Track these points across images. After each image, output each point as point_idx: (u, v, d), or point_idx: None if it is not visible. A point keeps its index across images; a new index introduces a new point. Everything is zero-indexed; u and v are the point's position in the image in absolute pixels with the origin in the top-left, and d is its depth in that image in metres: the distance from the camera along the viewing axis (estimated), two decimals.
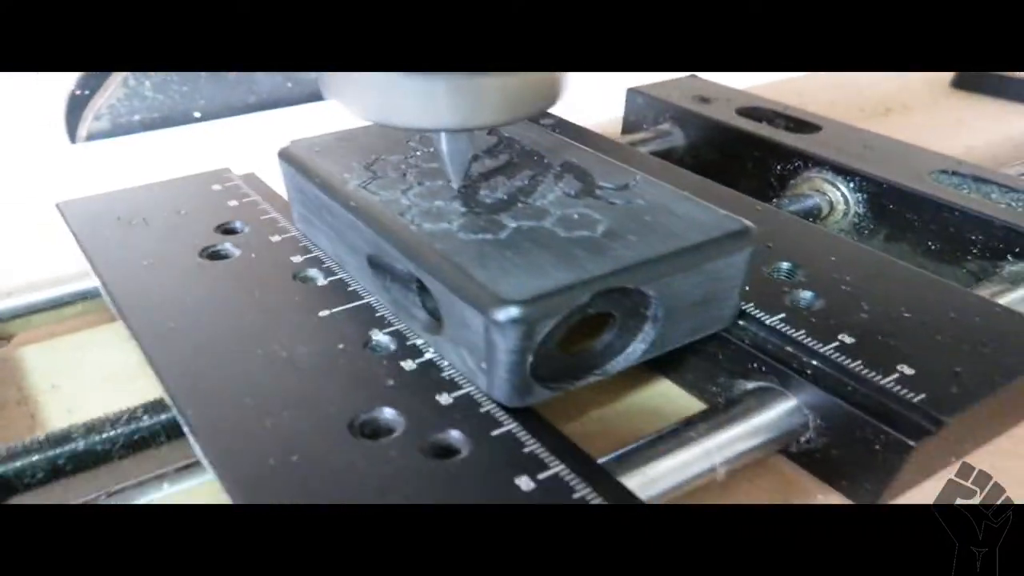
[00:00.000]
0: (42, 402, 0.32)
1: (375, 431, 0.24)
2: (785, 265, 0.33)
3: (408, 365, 0.27)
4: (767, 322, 0.29)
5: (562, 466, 0.23)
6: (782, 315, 0.29)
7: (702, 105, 0.53)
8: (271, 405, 0.25)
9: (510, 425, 0.24)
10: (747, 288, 0.30)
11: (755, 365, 0.29)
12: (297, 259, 0.33)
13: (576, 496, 0.22)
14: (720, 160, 0.50)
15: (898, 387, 0.26)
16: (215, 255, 0.33)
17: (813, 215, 0.44)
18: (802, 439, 0.28)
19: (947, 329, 0.29)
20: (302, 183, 0.32)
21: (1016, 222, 0.37)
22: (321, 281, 0.31)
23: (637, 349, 0.27)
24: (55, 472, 0.25)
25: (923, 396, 0.25)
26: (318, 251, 0.33)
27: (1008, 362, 0.27)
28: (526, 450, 0.23)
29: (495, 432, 0.24)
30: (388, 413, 0.24)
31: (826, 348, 0.28)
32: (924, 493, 0.28)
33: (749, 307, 0.30)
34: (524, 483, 0.22)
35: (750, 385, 0.29)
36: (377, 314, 0.29)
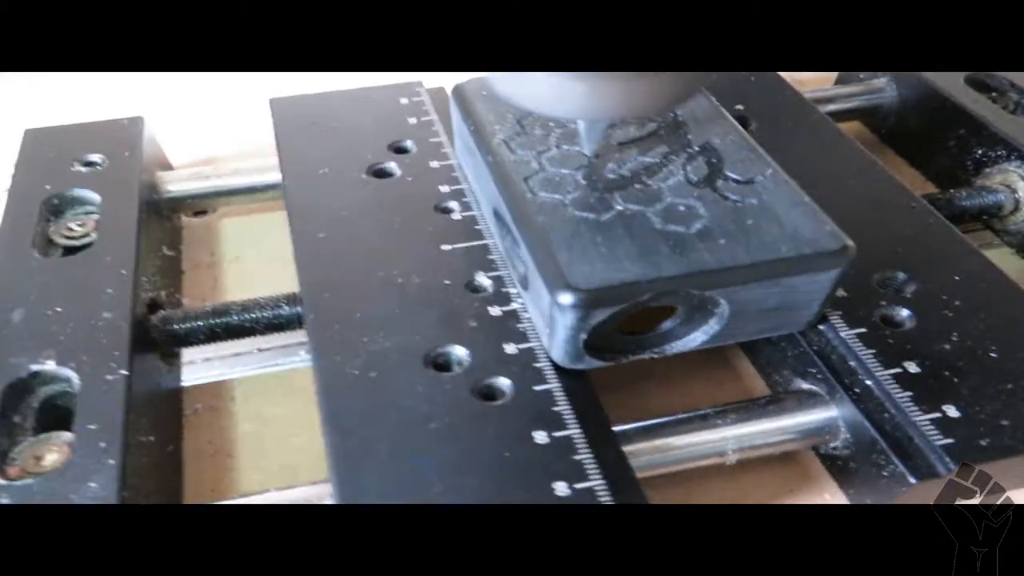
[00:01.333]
0: (226, 268, 0.40)
1: (444, 364, 0.29)
2: (900, 276, 0.33)
3: (495, 311, 0.31)
4: (842, 334, 0.30)
5: (578, 429, 0.26)
6: (862, 330, 0.30)
7: None
8: (372, 324, 0.30)
9: (552, 384, 0.28)
10: (845, 294, 0.31)
11: (813, 370, 0.30)
12: (445, 189, 0.37)
13: (576, 458, 0.25)
14: (924, 129, 0.48)
15: (931, 426, 0.27)
16: (380, 172, 0.38)
17: (992, 212, 0.42)
18: (830, 444, 0.30)
19: (1011, 375, 0.28)
20: (461, 123, 0.36)
21: None
22: (456, 215, 0.36)
23: (697, 338, 0.29)
24: (213, 336, 0.33)
25: (949, 441, 0.26)
26: (465, 184, 0.37)
27: None
28: (556, 408, 0.27)
29: (537, 387, 0.28)
30: (459, 351, 0.29)
31: (884, 373, 0.29)
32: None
33: (836, 315, 0.31)
34: (540, 437, 0.26)
35: (804, 386, 0.31)
36: (488, 256, 0.33)
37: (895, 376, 0.28)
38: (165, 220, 0.41)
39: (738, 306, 0.28)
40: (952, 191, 0.42)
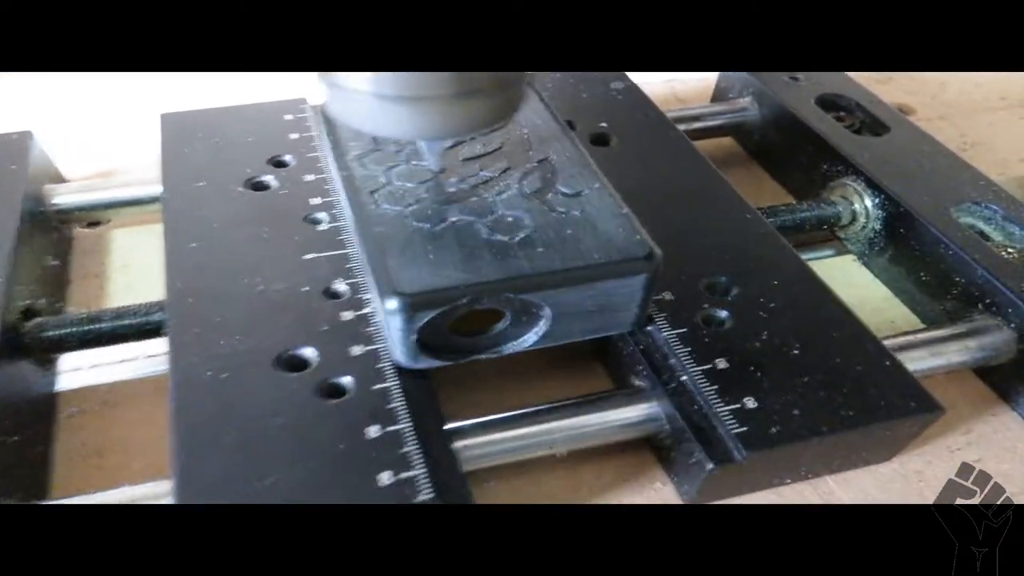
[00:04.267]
0: (113, 278, 0.42)
1: (294, 365, 0.31)
2: (724, 280, 0.36)
3: (347, 315, 0.33)
4: (664, 333, 0.33)
5: (408, 424, 0.29)
6: (683, 330, 0.33)
7: (786, 85, 0.53)
8: (230, 328, 0.32)
9: (391, 383, 0.30)
10: (672, 297, 0.34)
11: (640, 367, 0.33)
12: (316, 201, 0.39)
13: (402, 451, 0.28)
14: (780, 146, 0.52)
15: (730, 416, 0.30)
16: (256, 185, 0.40)
17: (831, 222, 0.45)
18: (658, 436, 0.33)
19: (820, 372, 0.32)
20: (324, 139, 0.39)
21: (996, 273, 0.37)
22: (323, 226, 0.38)
23: (529, 339, 0.32)
24: (86, 342, 0.35)
25: (744, 429, 0.29)
26: (335, 196, 0.40)
27: (849, 414, 0.30)
28: (390, 405, 0.30)
29: (376, 386, 0.30)
30: (309, 353, 0.31)
31: (696, 369, 0.32)
32: (749, 499, 0.32)
33: (661, 316, 0.34)
34: (373, 431, 0.29)
35: (636, 382, 0.34)
36: (347, 265, 0.36)
37: (705, 372, 0.31)
38: (52, 231, 0.43)
39: (559, 308, 0.31)
40: (795, 203, 0.45)
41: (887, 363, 0.32)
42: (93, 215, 0.45)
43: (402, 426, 0.29)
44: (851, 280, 0.45)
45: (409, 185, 0.34)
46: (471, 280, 0.29)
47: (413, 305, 0.29)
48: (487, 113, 0.28)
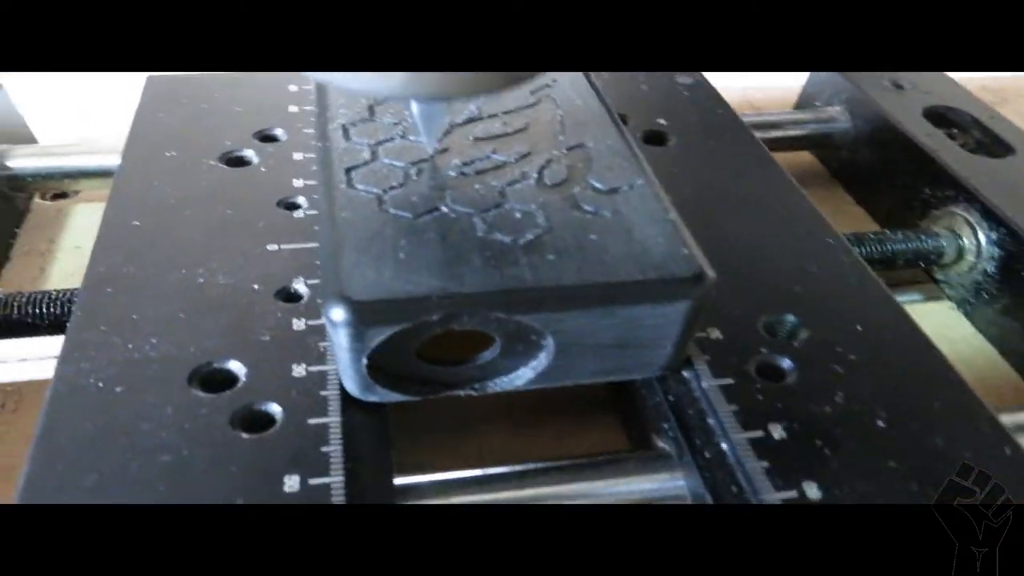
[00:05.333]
0: (59, 259, 0.35)
1: (214, 383, 0.24)
2: (791, 320, 0.28)
3: (298, 324, 0.26)
4: (704, 383, 0.25)
5: (340, 478, 0.21)
6: (729, 380, 0.25)
7: (889, 93, 0.45)
8: (146, 329, 0.25)
9: (331, 418, 0.23)
10: (720, 336, 0.26)
11: (666, 426, 0.25)
12: (299, 183, 0.32)
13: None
14: (873, 164, 0.43)
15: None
16: (234, 160, 0.34)
17: (930, 258, 0.36)
18: None
19: (913, 455, 0.23)
20: (316, 108, 0.32)
21: None
22: (300, 213, 0.31)
23: (524, 375, 0.24)
24: None
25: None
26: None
27: None
28: (324, 448, 0.22)
29: (312, 420, 0.23)
30: (236, 368, 0.24)
31: (742, 435, 0.23)
32: None
33: (703, 360, 0.26)
34: (291, 483, 0.21)
35: (660, 444, 0.26)
36: (316, 261, 0.29)
37: (754, 440, 0.23)
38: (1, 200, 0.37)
39: (566, 337, 0.23)
40: (886, 231, 0.37)
41: (1006, 449, 0.24)
42: (56, 185, 0.39)
43: (333, 479, 0.21)
44: (946, 333, 0.36)
45: (398, 164, 0.27)
46: (448, 290, 0.22)
47: (363, 318, 0.21)
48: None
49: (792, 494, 0.22)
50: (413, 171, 0.26)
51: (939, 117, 0.43)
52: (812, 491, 0.22)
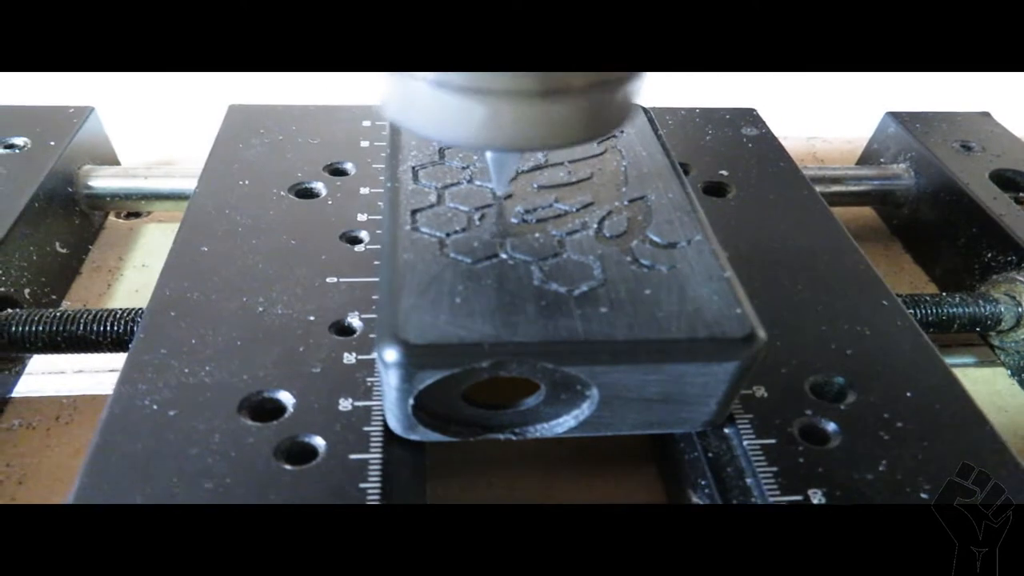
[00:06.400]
0: (126, 276, 0.37)
1: (260, 412, 0.25)
2: (839, 382, 0.27)
3: (349, 358, 0.27)
4: (745, 442, 0.25)
5: None
6: (772, 440, 0.25)
7: (956, 153, 0.44)
8: (204, 354, 0.26)
9: (373, 454, 0.23)
10: (766, 394, 0.26)
11: (702, 483, 0.25)
12: (362, 218, 0.33)
13: None
14: (935, 224, 0.43)
15: None
16: (303, 192, 0.35)
17: (988, 324, 0.36)
18: None
19: None
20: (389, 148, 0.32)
21: None
22: (361, 247, 0.32)
23: (565, 423, 0.25)
24: (53, 344, 0.29)
25: None
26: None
27: None
28: (363, 484, 0.23)
29: (354, 456, 0.23)
30: (284, 398, 0.25)
31: (780, 499, 0.23)
32: None
33: (745, 418, 0.26)
34: None
35: (695, 499, 0.25)
36: (373, 295, 0.29)
37: (794, 505, 0.23)
38: (76, 216, 0.39)
39: (611, 390, 0.23)
40: (943, 294, 0.36)
41: None
42: (132, 205, 0.41)
43: None
44: (999, 401, 0.36)
45: (463, 209, 0.27)
46: (500, 338, 0.22)
47: (415, 360, 0.22)
48: (575, 123, 0.21)
49: None
50: (477, 216, 0.27)
51: (1007, 180, 0.42)
52: None
